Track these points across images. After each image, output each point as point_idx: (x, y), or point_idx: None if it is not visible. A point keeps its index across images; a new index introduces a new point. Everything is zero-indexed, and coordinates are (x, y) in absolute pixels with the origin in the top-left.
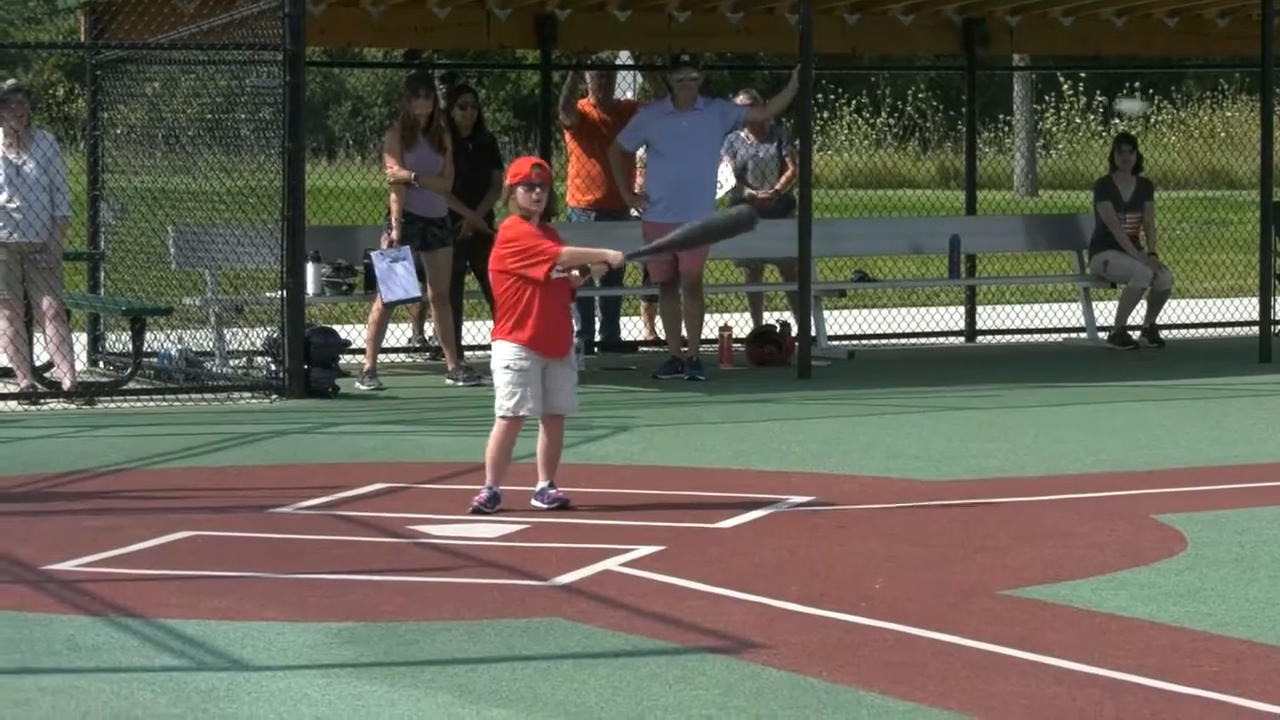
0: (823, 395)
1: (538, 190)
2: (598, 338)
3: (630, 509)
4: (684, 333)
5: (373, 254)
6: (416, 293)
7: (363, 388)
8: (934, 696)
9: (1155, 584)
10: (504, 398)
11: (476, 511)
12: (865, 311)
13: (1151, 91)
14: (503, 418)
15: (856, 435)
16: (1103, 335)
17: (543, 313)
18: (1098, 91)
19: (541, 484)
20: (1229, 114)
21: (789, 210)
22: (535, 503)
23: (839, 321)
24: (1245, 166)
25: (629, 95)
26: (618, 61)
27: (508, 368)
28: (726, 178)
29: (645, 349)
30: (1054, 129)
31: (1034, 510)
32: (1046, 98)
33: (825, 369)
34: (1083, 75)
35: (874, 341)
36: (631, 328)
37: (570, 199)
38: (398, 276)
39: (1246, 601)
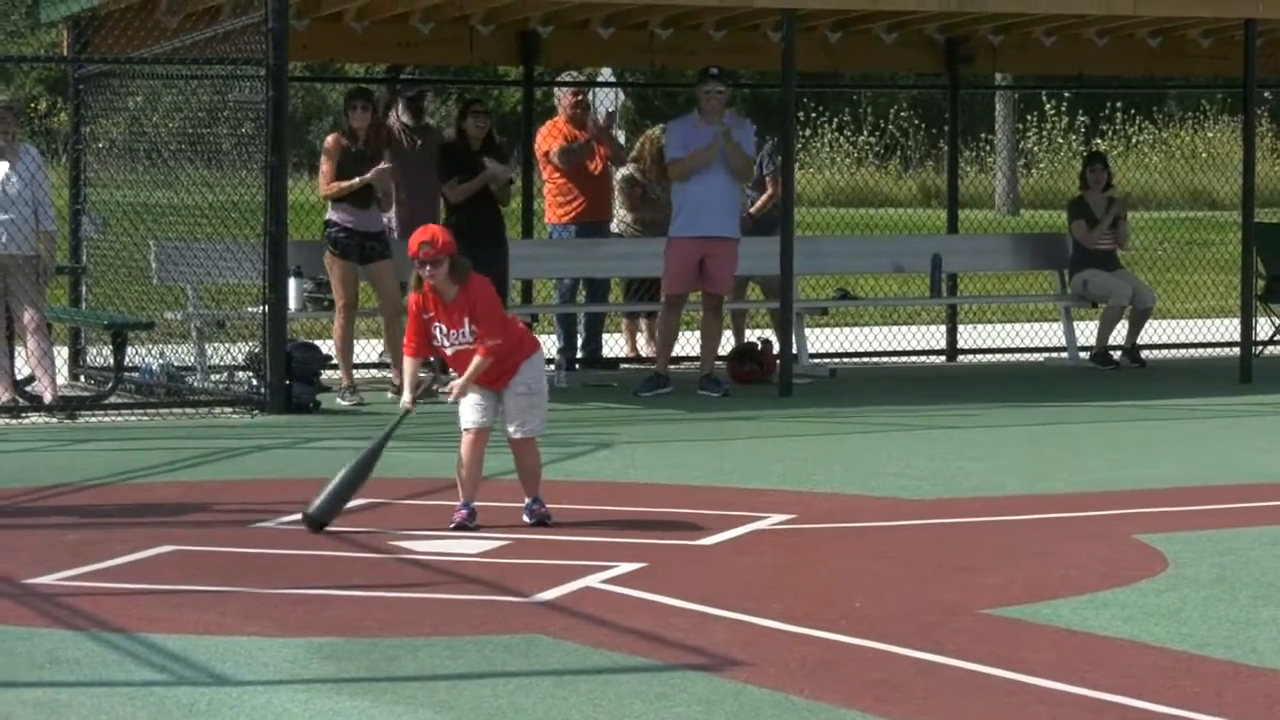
0: (804, 413)
1: (428, 268)
2: (579, 354)
3: (611, 526)
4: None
5: None
6: None
7: (344, 403)
8: (915, 715)
9: (1136, 604)
10: (461, 418)
11: (459, 528)
12: (847, 329)
13: (1133, 111)
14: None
15: (838, 453)
16: (1084, 355)
17: (453, 360)
18: (1079, 111)
19: (526, 499)
20: (1210, 134)
21: (773, 228)
22: (524, 517)
23: (820, 339)
24: (1227, 187)
25: (610, 110)
26: (599, 78)
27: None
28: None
29: (627, 365)
30: (1035, 148)
31: (1015, 529)
32: (1028, 117)
33: (807, 387)
34: (1066, 95)
35: (855, 360)
36: (613, 344)
37: (549, 215)
38: None
39: (1227, 622)
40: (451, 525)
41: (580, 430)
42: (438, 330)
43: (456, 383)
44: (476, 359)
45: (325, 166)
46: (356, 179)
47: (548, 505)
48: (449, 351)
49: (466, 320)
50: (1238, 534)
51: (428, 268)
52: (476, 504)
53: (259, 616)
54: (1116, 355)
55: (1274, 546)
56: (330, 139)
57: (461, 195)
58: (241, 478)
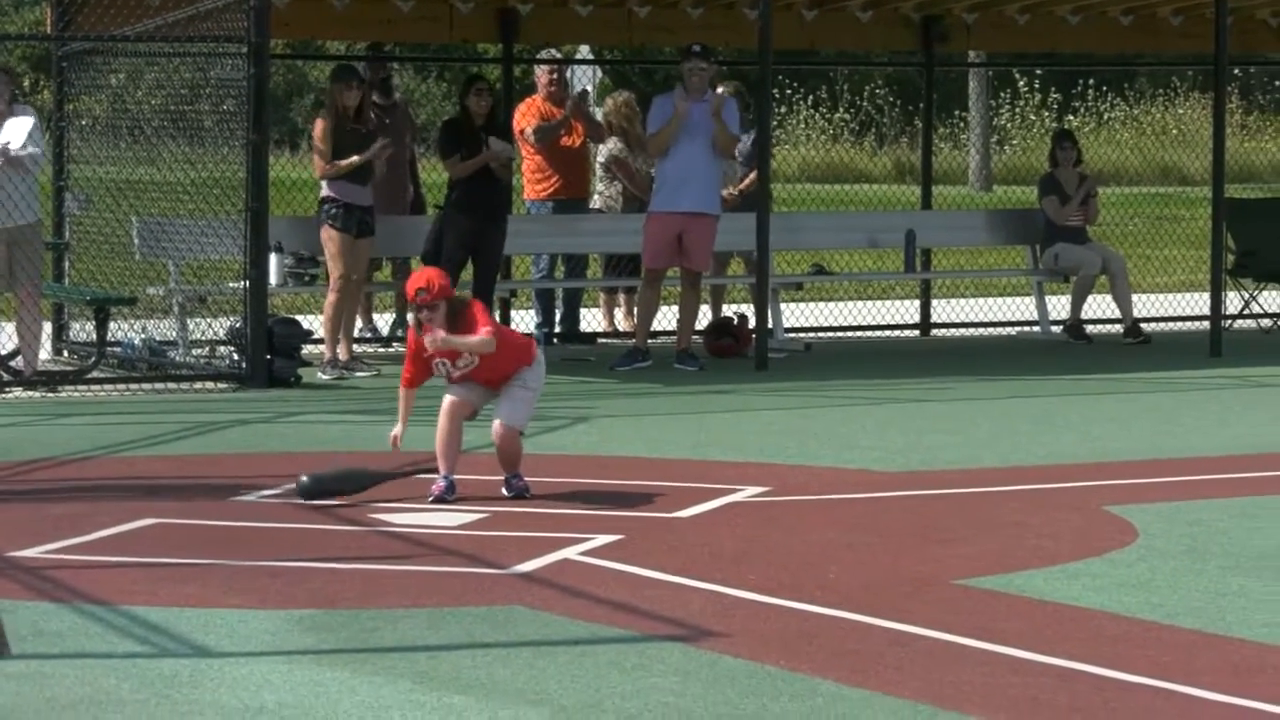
0: (780, 387)
1: (425, 313)
2: (558, 329)
3: (589, 498)
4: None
5: None
6: None
7: (324, 377)
8: (889, 685)
9: (1107, 574)
10: None
11: (438, 501)
12: (822, 304)
13: (1105, 88)
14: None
15: (813, 426)
16: (1057, 329)
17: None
18: (1052, 88)
19: (506, 474)
20: (1181, 111)
21: (752, 207)
22: (503, 490)
23: (796, 314)
24: (1197, 163)
25: (588, 88)
26: (577, 55)
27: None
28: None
29: (605, 340)
30: (1009, 125)
31: (988, 501)
32: (1002, 94)
33: (782, 361)
34: (1039, 72)
35: (830, 334)
36: (591, 319)
37: (526, 192)
38: None
39: (1197, 592)
40: (430, 498)
41: (558, 404)
42: (440, 366)
43: (441, 334)
44: (476, 337)
45: (321, 148)
46: (356, 156)
47: (526, 479)
48: (455, 375)
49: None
50: (1207, 505)
51: (424, 312)
52: (456, 477)
53: (240, 589)
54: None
55: (1242, 518)
56: (319, 125)
57: (463, 172)
58: (222, 451)
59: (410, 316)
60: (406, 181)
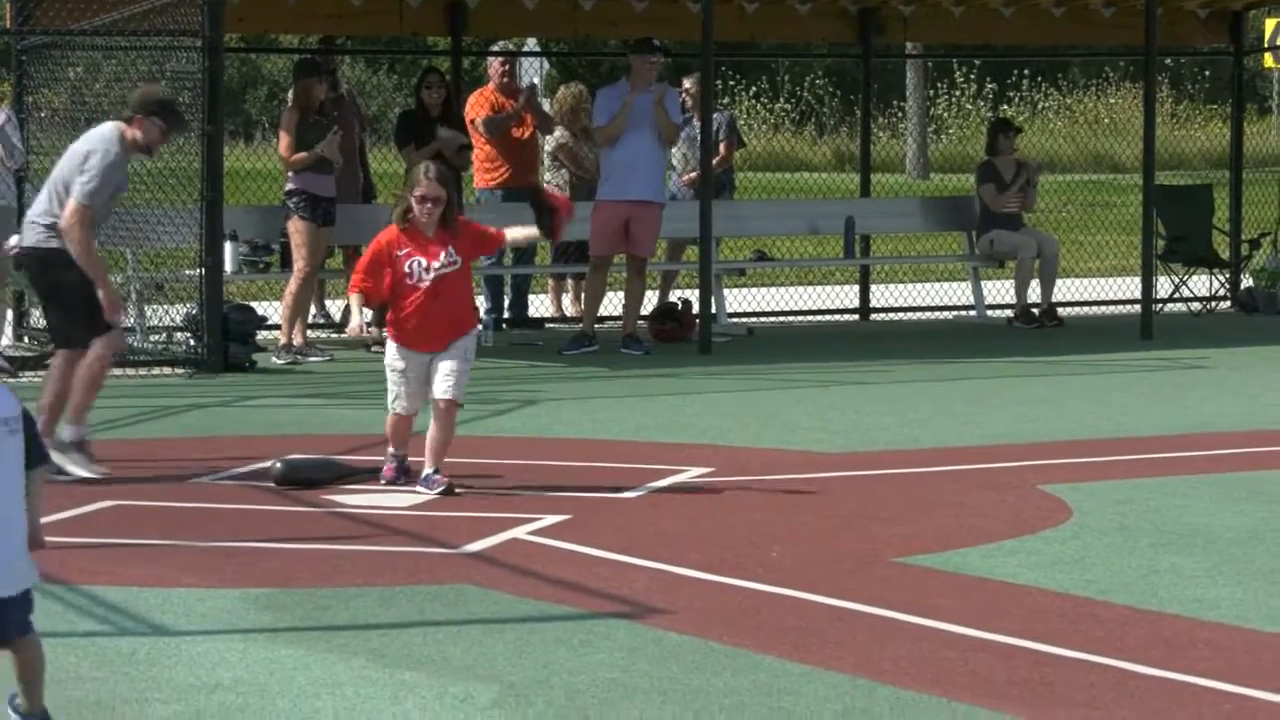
0: (723, 370)
1: (429, 206)
2: (506, 314)
3: (537, 479)
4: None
5: None
6: None
7: (279, 361)
8: (830, 660)
9: (1042, 552)
10: (389, 395)
11: (390, 484)
12: (764, 290)
13: (1039, 79)
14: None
15: (755, 408)
16: (993, 313)
17: (417, 310)
18: (988, 79)
19: (426, 470)
20: (1113, 100)
21: (722, 190)
22: (421, 487)
23: (739, 299)
24: (1128, 151)
25: (535, 80)
26: (525, 48)
27: (389, 366)
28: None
29: (552, 325)
30: (945, 114)
31: (926, 481)
32: (939, 84)
33: (725, 345)
34: (977, 63)
35: (772, 318)
36: (539, 305)
37: (477, 181)
38: None
39: (1129, 569)
40: (383, 480)
41: (507, 388)
42: (414, 264)
43: (519, 231)
44: (524, 232)
45: (284, 140)
46: (308, 151)
47: (476, 460)
48: (428, 280)
49: (450, 247)
50: (1138, 484)
51: (428, 204)
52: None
53: (197, 569)
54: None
55: (1173, 496)
56: (287, 118)
57: (418, 160)
58: (179, 435)
59: (396, 213)
60: (358, 170)
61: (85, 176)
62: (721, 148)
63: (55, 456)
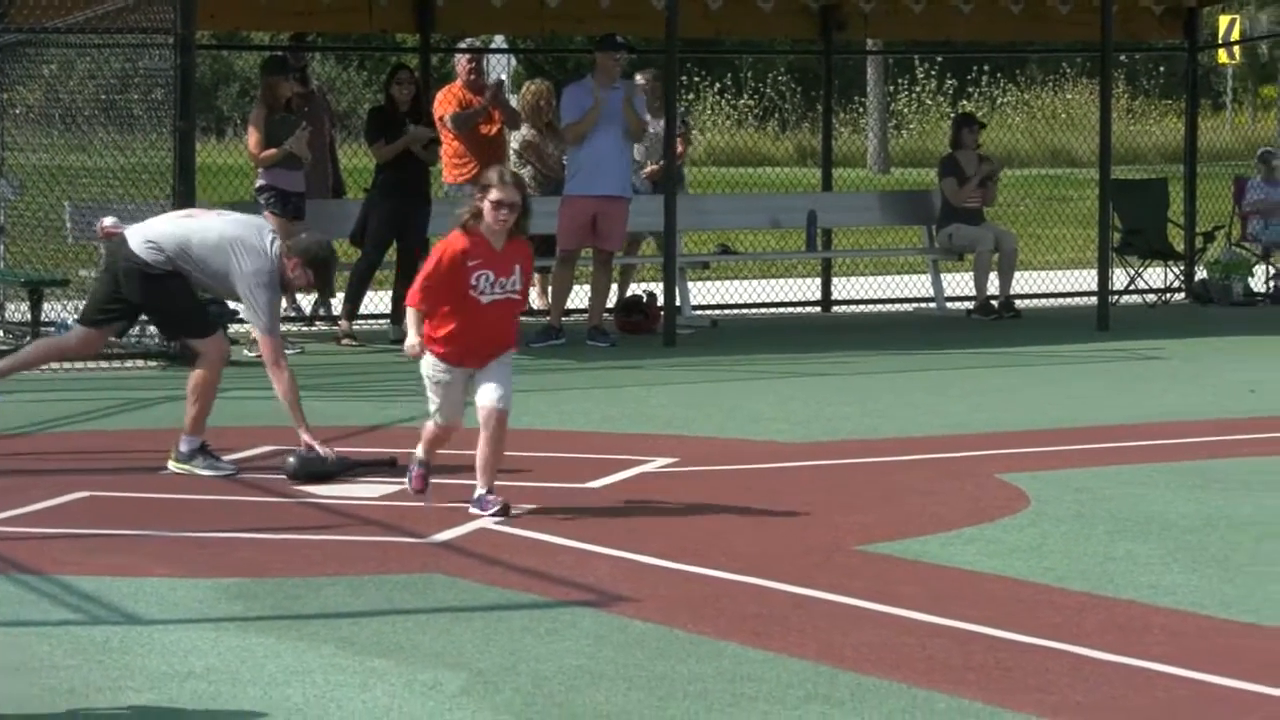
0: (687, 362)
1: (505, 211)
2: None
3: (504, 469)
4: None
5: None
6: None
7: (250, 354)
8: (792, 646)
9: (1000, 540)
10: (432, 406)
11: (420, 493)
12: (727, 283)
13: (998, 74)
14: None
15: (719, 400)
16: (952, 305)
17: (472, 327)
18: (948, 75)
19: (479, 490)
20: (1070, 96)
21: (680, 185)
22: (475, 509)
23: (703, 292)
24: (1085, 146)
25: (503, 76)
26: (492, 45)
27: (430, 379)
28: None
29: (520, 318)
30: (905, 110)
31: (886, 470)
32: (899, 80)
33: (689, 337)
34: (937, 59)
35: (736, 311)
36: None
37: (445, 176)
38: None
39: (1085, 556)
40: (412, 490)
41: None
42: (482, 278)
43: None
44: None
45: (253, 137)
46: (277, 148)
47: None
48: (485, 300)
49: (518, 269)
50: (1095, 473)
51: (505, 210)
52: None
53: (169, 559)
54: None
55: (1129, 485)
56: (255, 115)
57: (386, 155)
58: (152, 427)
59: (460, 218)
60: (328, 166)
61: (263, 311)
62: (678, 143)
63: (176, 467)
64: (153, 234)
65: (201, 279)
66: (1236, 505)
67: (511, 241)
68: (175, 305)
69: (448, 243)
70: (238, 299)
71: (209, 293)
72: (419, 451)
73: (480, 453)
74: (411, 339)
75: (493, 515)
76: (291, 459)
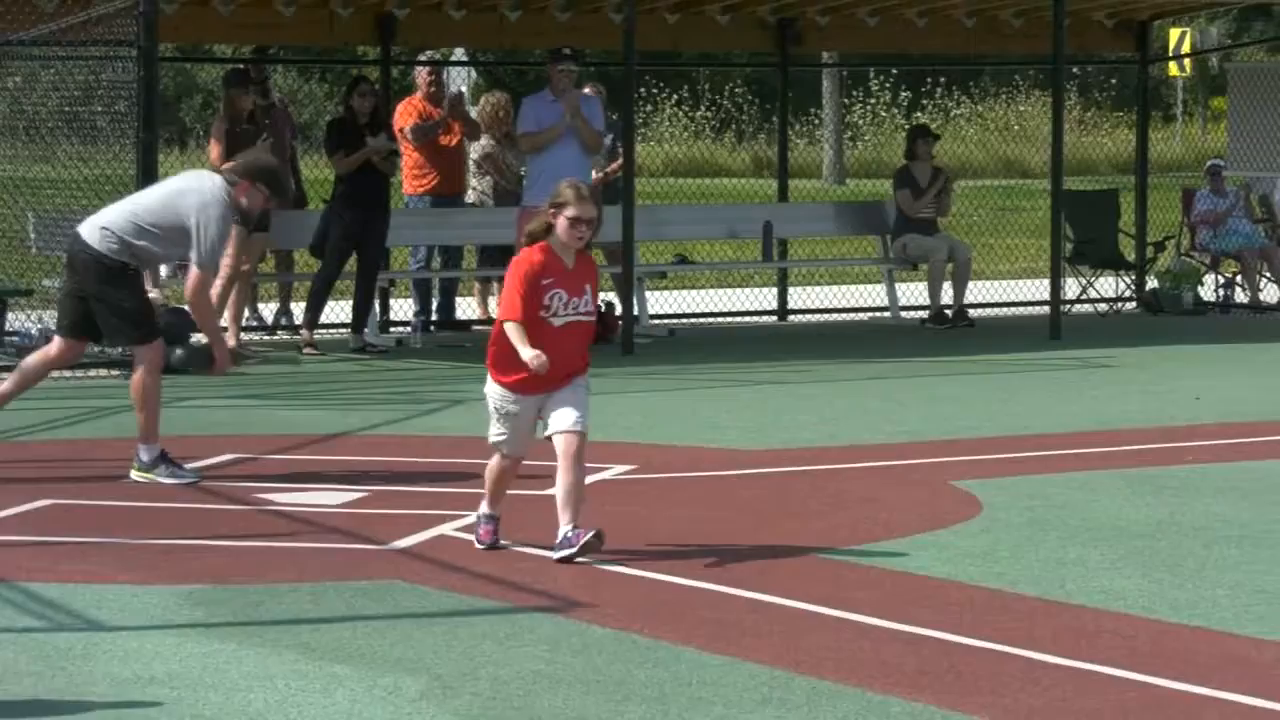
0: (645, 370)
1: (583, 227)
2: (434, 317)
3: (464, 477)
4: None
5: None
6: None
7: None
8: (749, 651)
9: (953, 545)
10: (498, 437)
11: (492, 547)
12: (685, 292)
13: (952, 87)
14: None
15: (677, 408)
16: (907, 315)
17: (558, 335)
18: (902, 87)
19: (564, 528)
20: (1023, 108)
21: (615, 198)
22: (562, 551)
23: (660, 301)
24: (1037, 157)
25: (463, 88)
26: (453, 58)
27: (497, 410)
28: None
29: (479, 327)
30: (861, 122)
31: (842, 477)
32: (854, 93)
33: (647, 346)
34: (892, 72)
35: (693, 320)
36: (466, 307)
37: (405, 187)
38: None
39: (1037, 562)
40: (481, 545)
41: (435, 388)
42: (555, 298)
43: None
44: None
45: (215, 149)
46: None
47: (404, 458)
48: (558, 323)
49: (588, 288)
50: (1047, 480)
51: (584, 228)
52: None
53: (132, 566)
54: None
55: (1080, 491)
56: (217, 127)
57: (347, 167)
58: (114, 436)
59: (532, 231)
60: (290, 177)
61: (204, 243)
62: (618, 152)
63: (140, 476)
64: (103, 220)
65: (160, 250)
66: (1186, 511)
67: (580, 259)
68: (124, 305)
69: (524, 258)
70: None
71: (171, 262)
72: (484, 506)
73: (560, 484)
74: (527, 350)
75: (580, 550)
76: (181, 351)
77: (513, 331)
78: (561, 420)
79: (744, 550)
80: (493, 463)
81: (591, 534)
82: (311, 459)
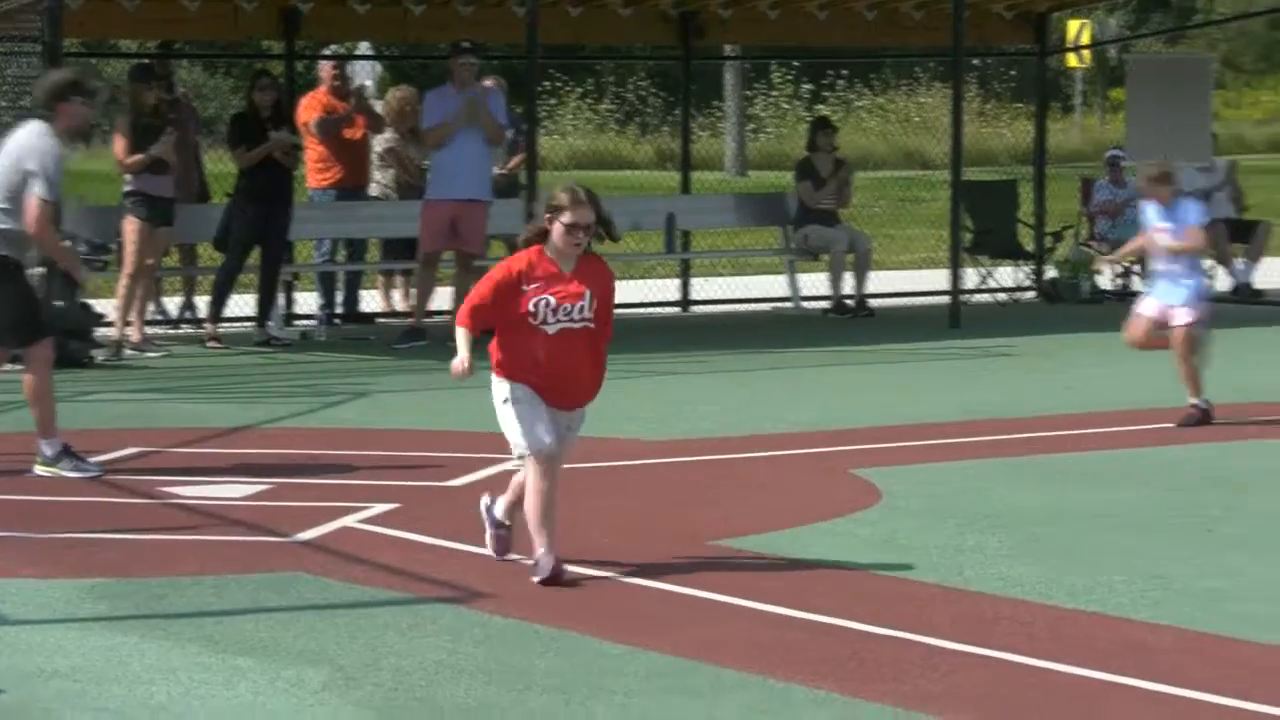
0: None
1: (581, 234)
2: (339, 310)
3: (368, 469)
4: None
5: None
6: None
7: (115, 358)
8: (651, 640)
9: (853, 533)
10: (516, 435)
11: (550, 582)
12: None
13: (854, 79)
14: (522, 458)
15: None
16: (808, 305)
17: (544, 361)
18: (804, 79)
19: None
20: (923, 100)
21: (516, 191)
22: (538, 576)
23: None
24: (938, 148)
25: (368, 83)
26: (357, 51)
27: (506, 399)
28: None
29: (383, 320)
30: (762, 114)
31: (744, 466)
32: (757, 85)
33: None
34: (794, 64)
35: None
36: (370, 300)
37: (310, 181)
38: None
39: (936, 549)
40: (540, 578)
41: (339, 380)
42: (540, 305)
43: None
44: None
45: (120, 143)
46: (143, 154)
47: (306, 451)
48: (551, 330)
49: (589, 293)
50: (946, 467)
51: (580, 234)
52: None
53: (35, 559)
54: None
55: (979, 478)
56: (121, 122)
57: (249, 161)
58: (16, 430)
59: (526, 237)
60: (194, 171)
61: (38, 179)
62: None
63: (43, 470)
64: None
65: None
66: (1082, 498)
67: (586, 263)
68: (9, 310)
69: (506, 262)
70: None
71: None
72: (499, 510)
73: (527, 503)
74: (461, 354)
75: (551, 578)
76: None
77: (459, 336)
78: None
79: (646, 540)
80: (517, 478)
81: (550, 569)
82: (215, 452)
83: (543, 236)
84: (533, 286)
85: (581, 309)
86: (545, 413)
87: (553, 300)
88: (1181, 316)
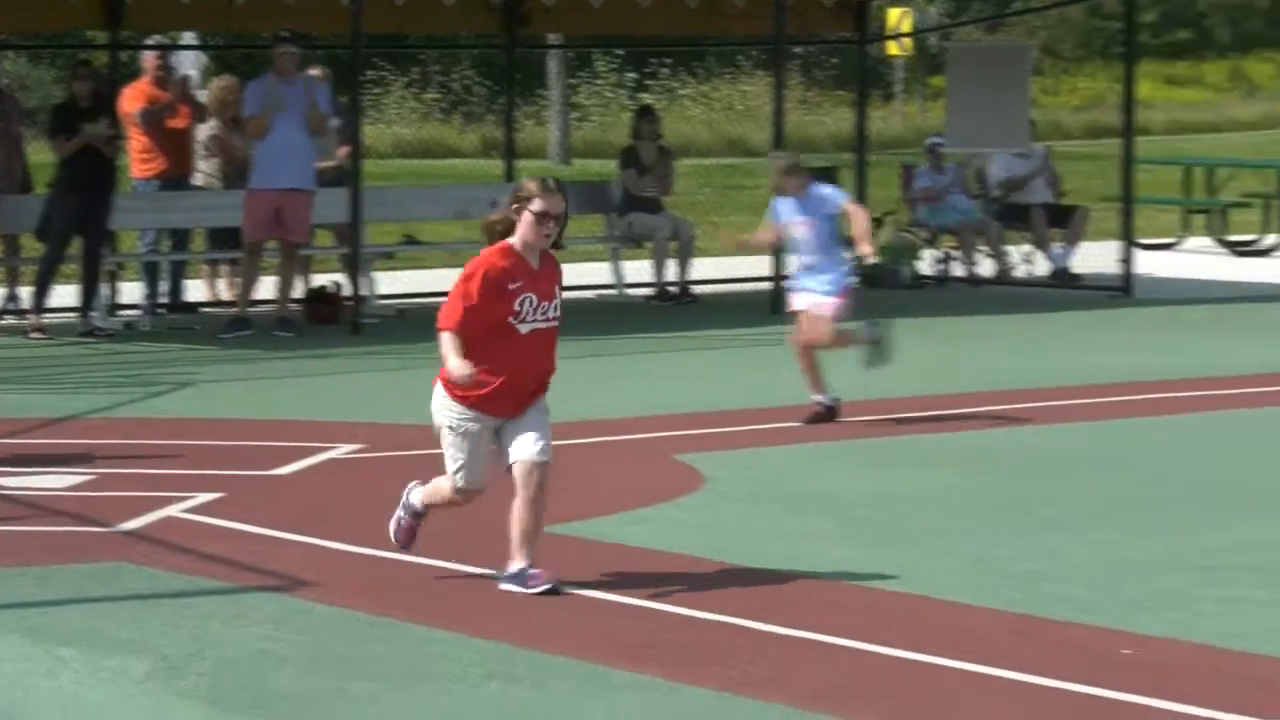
0: (374, 350)
1: (552, 224)
2: (163, 299)
3: (192, 458)
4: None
5: None
6: None
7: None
8: (474, 627)
9: (676, 518)
10: (454, 464)
11: (550, 592)
12: (413, 272)
13: (678, 67)
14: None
15: (404, 387)
16: (632, 292)
17: (514, 364)
18: (628, 68)
19: (518, 564)
20: (746, 88)
21: (343, 180)
22: (510, 586)
23: (389, 282)
24: (760, 135)
25: (192, 73)
26: (181, 41)
27: (454, 429)
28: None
29: (207, 310)
30: (587, 102)
31: (565, 452)
32: (581, 74)
33: (376, 326)
34: (620, 53)
35: (422, 300)
36: (194, 289)
37: (134, 171)
38: None
39: (760, 533)
40: (538, 589)
41: (164, 370)
42: (525, 303)
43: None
44: None
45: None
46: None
47: (130, 441)
48: (525, 330)
49: (558, 291)
50: (769, 452)
51: (551, 224)
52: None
53: None
54: (673, 291)
55: (801, 463)
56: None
57: (67, 151)
58: None
59: (492, 228)
60: (16, 162)
61: None
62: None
63: None
64: None
65: None
66: (906, 481)
67: (546, 259)
68: None
69: (484, 259)
70: None
71: None
72: (416, 500)
73: (517, 518)
74: (455, 360)
75: (539, 592)
76: None
77: (446, 342)
78: (524, 448)
79: (467, 526)
80: (439, 488)
81: (548, 586)
82: (38, 442)
83: (508, 231)
84: (517, 285)
85: (556, 307)
86: (485, 448)
87: (535, 299)
88: (825, 309)
